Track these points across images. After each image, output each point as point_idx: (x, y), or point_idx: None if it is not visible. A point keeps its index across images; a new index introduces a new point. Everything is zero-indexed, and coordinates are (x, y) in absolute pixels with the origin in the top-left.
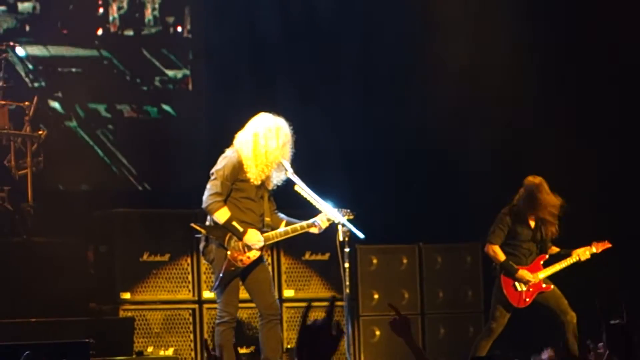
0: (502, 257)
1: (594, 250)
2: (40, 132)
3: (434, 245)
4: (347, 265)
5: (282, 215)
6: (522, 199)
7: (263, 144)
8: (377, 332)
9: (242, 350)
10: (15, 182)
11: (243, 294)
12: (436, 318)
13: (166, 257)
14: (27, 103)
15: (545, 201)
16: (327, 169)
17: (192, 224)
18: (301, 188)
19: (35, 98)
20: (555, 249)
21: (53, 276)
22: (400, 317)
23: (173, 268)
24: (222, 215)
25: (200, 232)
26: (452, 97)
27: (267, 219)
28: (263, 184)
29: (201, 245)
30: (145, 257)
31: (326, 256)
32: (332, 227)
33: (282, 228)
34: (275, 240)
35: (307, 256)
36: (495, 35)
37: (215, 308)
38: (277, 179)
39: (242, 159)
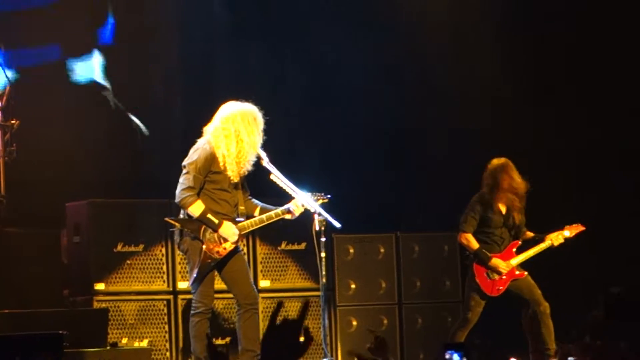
0: (475, 245)
1: (567, 234)
2: (13, 122)
3: (411, 234)
4: (323, 254)
5: (256, 202)
6: (487, 183)
7: (247, 139)
8: (354, 322)
9: (218, 342)
10: None
11: (219, 284)
12: (414, 308)
13: (140, 248)
14: None
15: (508, 182)
16: (302, 157)
17: (166, 218)
18: (276, 177)
19: (8, 87)
20: (529, 234)
21: (26, 267)
22: (377, 339)
23: (147, 258)
24: (196, 209)
25: (174, 226)
26: (430, 82)
27: (242, 208)
28: None
29: (176, 239)
30: (119, 247)
31: (302, 246)
32: (309, 216)
33: (257, 216)
34: (251, 229)
35: (283, 246)
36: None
37: (189, 299)
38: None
39: (215, 151)
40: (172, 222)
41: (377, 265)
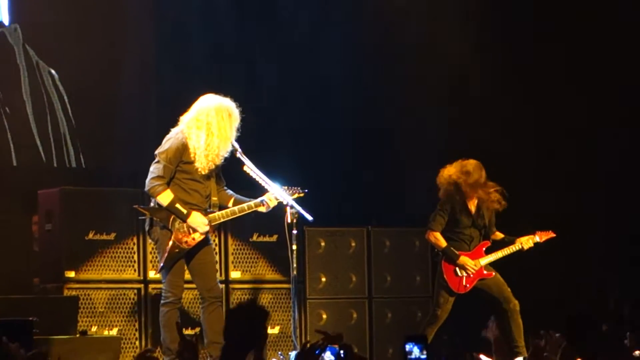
0: (443, 243)
1: (537, 239)
2: None
3: (383, 229)
4: (294, 247)
5: (230, 192)
6: (455, 182)
7: (217, 133)
8: (324, 316)
9: (187, 332)
10: None
11: (189, 275)
12: (384, 302)
13: (112, 236)
14: None
15: (477, 180)
16: (275, 149)
17: (135, 206)
18: (249, 168)
19: None
20: (499, 235)
21: None
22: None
23: (119, 247)
24: (164, 198)
25: (144, 214)
26: (410, 75)
27: (214, 199)
28: None
29: (146, 227)
30: (90, 235)
31: (274, 238)
32: (281, 208)
33: (229, 208)
34: (222, 220)
35: (254, 237)
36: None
37: (160, 288)
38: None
39: (187, 142)
40: (142, 210)
41: (347, 259)
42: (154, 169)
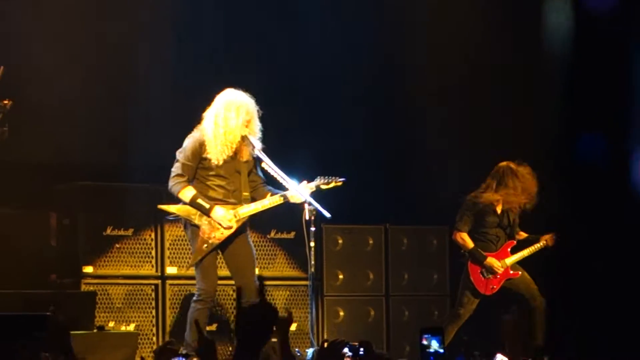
0: (470, 244)
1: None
2: (5, 102)
3: (400, 227)
4: (312, 244)
5: (268, 189)
6: (490, 182)
7: (222, 124)
8: (341, 313)
9: (210, 328)
10: None
11: (223, 271)
12: (401, 300)
13: (130, 232)
14: None
15: (513, 183)
16: (292, 146)
17: (159, 205)
18: (268, 165)
19: (2, 67)
20: (523, 235)
21: (15, 248)
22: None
23: (136, 243)
24: (185, 195)
25: (170, 214)
26: (429, 73)
27: (245, 194)
28: (236, 159)
29: (183, 226)
30: (108, 231)
31: (292, 234)
32: (299, 205)
33: (258, 201)
34: (248, 213)
35: (272, 234)
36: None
37: (178, 284)
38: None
39: (204, 138)
40: (165, 209)
41: (365, 256)
42: (174, 168)
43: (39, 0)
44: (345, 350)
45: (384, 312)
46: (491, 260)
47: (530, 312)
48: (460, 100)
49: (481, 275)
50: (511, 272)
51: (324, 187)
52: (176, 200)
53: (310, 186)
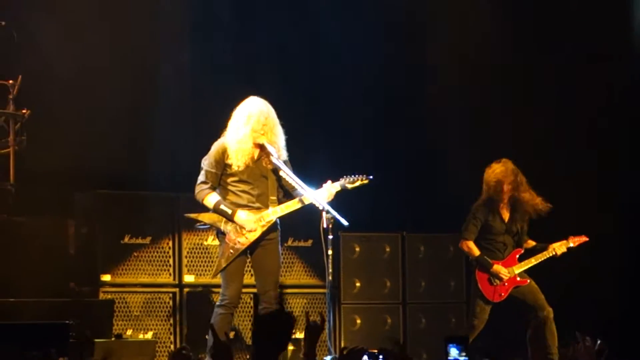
0: (476, 252)
1: (570, 244)
2: (23, 111)
3: (417, 235)
4: (330, 252)
5: (298, 192)
6: (488, 188)
7: (235, 131)
8: (358, 321)
9: None
10: None
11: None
12: (418, 307)
13: (147, 240)
14: (10, 82)
15: (512, 186)
16: (309, 152)
17: (187, 214)
18: (285, 173)
19: (20, 77)
20: (531, 243)
21: (33, 256)
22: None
23: (154, 251)
24: (209, 201)
25: (198, 221)
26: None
27: (273, 197)
28: (260, 164)
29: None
30: (126, 239)
31: (309, 242)
32: (316, 213)
33: (283, 204)
34: (272, 217)
35: (289, 242)
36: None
37: (195, 292)
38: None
39: (225, 144)
40: (192, 217)
41: (382, 264)
42: (199, 177)
43: (57, 9)
44: (365, 358)
45: (401, 320)
46: (498, 267)
47: (539, 323)
48: (482, 103)
49: (489, 283)
50: (518, 279)
51: (349, 186)
52: (206, 209)
53: (335, 186)
